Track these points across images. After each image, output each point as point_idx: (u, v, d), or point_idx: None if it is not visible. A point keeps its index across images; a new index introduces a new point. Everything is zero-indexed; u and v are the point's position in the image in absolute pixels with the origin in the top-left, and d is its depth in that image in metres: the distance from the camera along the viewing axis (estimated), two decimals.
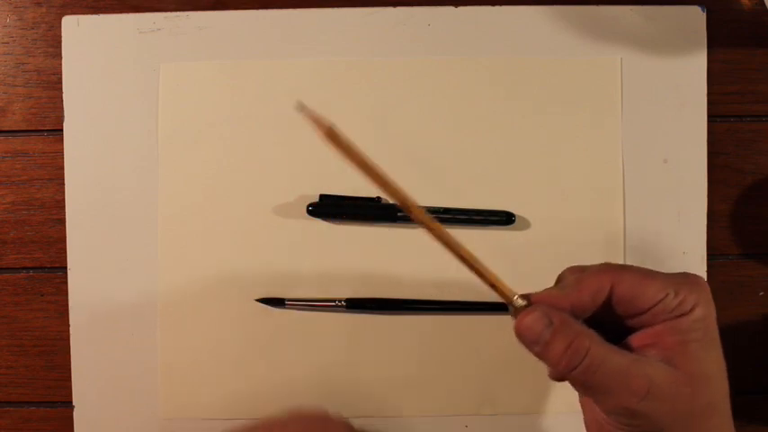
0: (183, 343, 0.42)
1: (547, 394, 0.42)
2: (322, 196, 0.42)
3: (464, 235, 0.42)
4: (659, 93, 0.42)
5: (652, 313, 0.28)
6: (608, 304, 0.29)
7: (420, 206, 0.30)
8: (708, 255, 0.42)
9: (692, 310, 0.28)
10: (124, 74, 0.42)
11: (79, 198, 0.42)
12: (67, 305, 0.42)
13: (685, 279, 0.29)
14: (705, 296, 0.28)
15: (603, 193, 0.42)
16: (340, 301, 0.41)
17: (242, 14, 0.42)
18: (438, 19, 0.42)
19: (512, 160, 0.42)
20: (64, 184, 0.42)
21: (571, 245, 0.42)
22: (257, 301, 0.42)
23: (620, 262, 0.41)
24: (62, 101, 0.42)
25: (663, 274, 0.29)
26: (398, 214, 0.41)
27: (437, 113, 0.42)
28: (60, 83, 0.42)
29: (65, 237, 0.42)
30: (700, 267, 0.42)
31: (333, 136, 0.30)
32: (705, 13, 0.42)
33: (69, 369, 0.42)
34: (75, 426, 0.42)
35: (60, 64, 0.42)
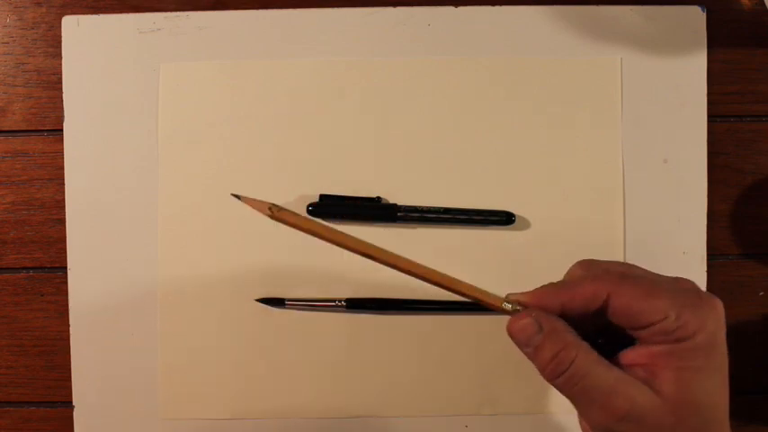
0: (183, 343, 0.42)
1: (547, 394, 0.42)
2: (322, 196, 0.42)
3: (464, 235, 0.42)
4: (659, 93, 0.42)
5: (650, 332, 0.27)
6: (605, 312, 0.28)
7: (382, 249, 0.31)
8: (708, 255, 0.42)
9: (693, 335, 0.26)
10: (124, 74, 0.42)
11: (79, 198, 0.42)
12: (67, 305, 0.42)
13: (693, 300, 0.27)
14: (713, 321, 0.27)
15: (603, 193, 0.42)
16: (340, 301, 0.41)
17: (242, 14, 0.42)
18: (438, 19, 0.42)
19: (512, 160, 0.42)
20: (64, 184, 0.42)
21: (571, 245, 0.42)
22: (257, 301, 0.42)
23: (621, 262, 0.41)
24: (62, 101, 0.42)
25: (671, 290, 0.27)
26: (398, 214, 0.41)
27: (437, 113, 0.42)
28: (60, 83, 0.42)
29: (65, 237, 0.42)
30: (700, 267, 0.42)
31: (276, 214, 0.30)
32: (705, 13, 0.42)
33: (69, 369, 0.42)
34: (75, 426, 0.42)
35: (60, 64, 0.42)
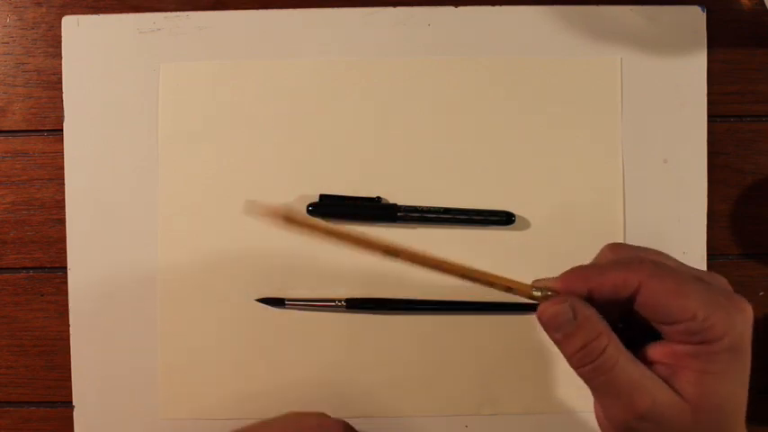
0: (183, 343, 0.42)
1: (547, 394, 0.42)
2: (322, 196, 0.42)
3: (464, 235, 0.42)
4: (659, 93, 0.42)
5: (675, 329, 0.26)
6: (632, 301, 0.27)
7: (407, 248, 0.30)
8: (708, 255, 0.42)
9: (719, 338, 0.26)
10: (124, 74, 0.42)
11: (79, 198, 0.42)
12: (67, 305, 0.42)
13: (724, 302, 0.26)
14: (741, 324, 0.26)
15: (603, 193, 0.42)
16: (340, 301, 0.41)
17: (242, 14, 0.42)
18: (438, 19, 0.42)
19: (512, 160, 0.42)
20: (64, 184, 0.42)
21: (571, 245, 0.42)
22: (257, 301, 0.42)
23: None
24: (62, 101, 0.42)
25: (702, 289, 0.26)
26: (398, 214, 0.41)
27: (437, 113, 0.42)
28: (60, 83, 0.42)
29: (65, 237, 0.42)
30: (700, 267, 0.42)
31: (291, 219, 0.30)
32: (705, 13, 0.42)
33: (69, 369, 0.42)
34: (75, 426, 0.42)
35: (60, 64, 0.42)
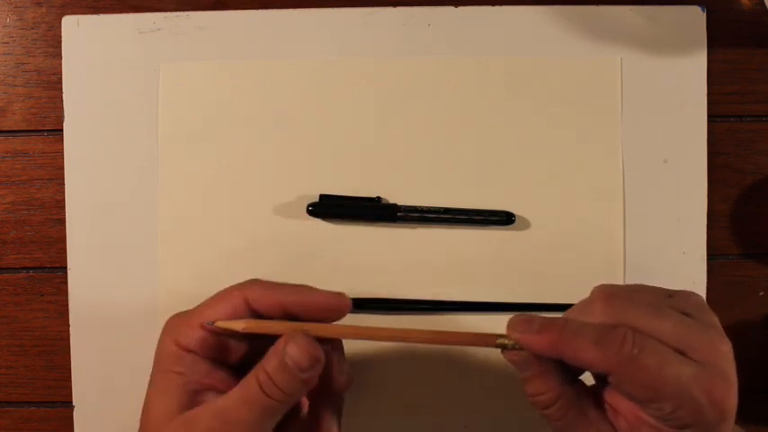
0: None
1: None
2: (322, 196, 0.42)
3: (464, 235, 0.42)
4: (659, 93, 0.42)
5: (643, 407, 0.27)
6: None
7: (380, 329, 0.32)
8: (708, 255, 0.42)
9: (685, 427, 0.27)
10: (124, 74, 0.42)
11: (79, 198, 0.42)
12: (67, 305, 0.42)
13: (701, 398, 0.26)
14: (713, 418, 0.26)
15: (603, 193, 0.42)
16: None
17: (242, 14, 0.42)
18: (438, 19, 0.42)
19: (512, 160, 0.42)
20: (64, 184, 0.42)
21: (571, 245, 0.42)
22: None
23: (621, 262, 0.41)
24: (62, 101, 0.42)
25: (682, 371, 0.26)
26: (398, 214, 0.41)
27: (437, 113, 0.42)
28: (60, 83, 0.42)
29: (65, 237, 0.42)
30: (700, 267, 0.42)
31: (251, 326, 0.31)
32: (705, 13, 0.42)
33: (69, 369, 0.42)
34: (75, 426, 0.42)
35: (60, 64, 0.42)
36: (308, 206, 0.41)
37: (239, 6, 0.42)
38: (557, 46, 0.42)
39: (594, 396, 0.30)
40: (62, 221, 0.42)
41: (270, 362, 0.29)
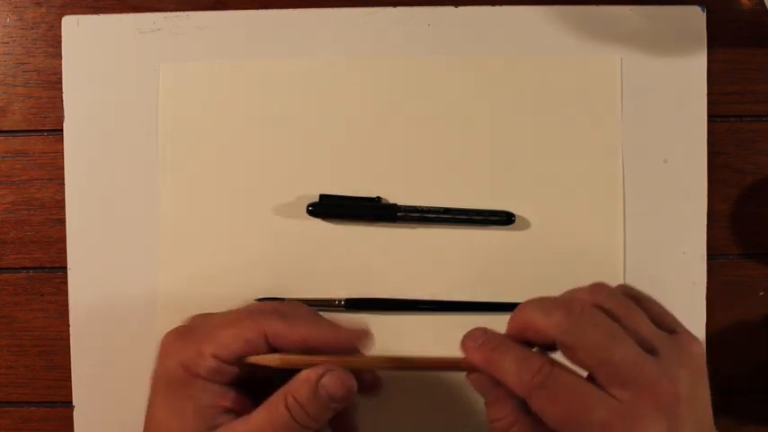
0: None
1: None
2: (322, 196, 0.42)
3: (464, 235, 0.42)
4: (659, 93, 0.42)
5: None
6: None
7: (372, 357, 0.33)
8: (708, 255, 0.42)
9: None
10: (124, 74, 0.42)
11: (79, 198, 0.42)
12: (67, 305, 0.42)
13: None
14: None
15: (603, 193, 0.42)
16: (339, 301, 0.41)
17: (242, 14, 0.42)
18: (438, 19, 0.42)
19: (512, 160, 0.42)
20: (64, 184, 0.42)
21: (571, 245, 0.42)
22: (257, 300, 0.42)
23: (621, 262, 0.41)
24: (62, 101, 0.42)
25: (592, 406, 0.27)
26: (398, 214, 0.41)
27: (437, 113, 0.42)
28: (60, 83, 0.42)
29: (65, 237, 0.42)
30: (700, 267, 0.42)
31: (287, 361, 0.31)
32: (705, 13, 0.42)
33: (69, 369, 0.42)
34: (75, 426, 0.42)
35: (60, 64, 0.42)
36: (308, 206, 0.41)
37: (239, 6, 0.42)
38: (557, 46, 0.42)
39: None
40: (62, 221, 0.42)
41: (301, 390, 0.29)
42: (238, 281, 0.42)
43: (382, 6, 0.42)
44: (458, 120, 0.42)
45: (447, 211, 0.41)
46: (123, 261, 0.42)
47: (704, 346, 0.29)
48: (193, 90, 0.42)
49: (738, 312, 0.43)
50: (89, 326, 0.42)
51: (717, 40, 0.42)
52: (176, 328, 0.32)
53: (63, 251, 0.42)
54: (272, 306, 0.32)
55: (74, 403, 0.42)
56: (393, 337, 0.42)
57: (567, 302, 0.28)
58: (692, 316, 0.42)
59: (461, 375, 0.42)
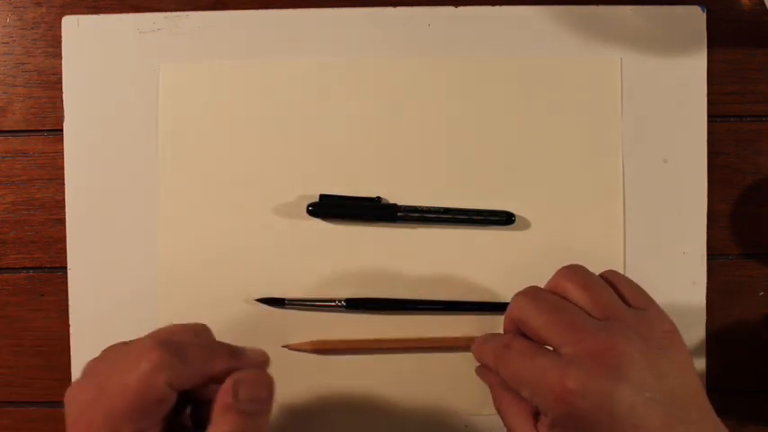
0: None
1: None
2: (322, 196, 0.42)
3: (464, 235, 0.42)
4: (659, 93, 0.42)
5: None
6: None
7: (398, 339, 0.39)
8: (708, 255, 0.42)
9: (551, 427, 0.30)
10: (124, 74, 0.42)
11: (79, 198, 0.42)
12: (67, 305, 0.42)
13: (548, 384, 0.29)
14: (554, 407, 0.29)
15: (603, 193, 0.42)
16: (340, 301, 0.41)
17: (242, 14, 0.42)
18: (438, 19, 0.42)
19: (512, 160, 0.42)
20: (64, 184, 0.42)
21: (571, 245, 0.42)
22: (257, 300, 0.42)
23: (620, 262, 0.41)
24: (62, 101, 0.42)
25: (538, 361, 0.30)
26: (398, 214, 0.41)
27: (437, 113, 0.42)
28: (60, 83, 0.42)
29: (65, 237, 0.42)
30: (700, 267, 0.42)
31: (321, 346, 0.36)
32: (705, 13, 0.42)
33: (69, 369, 0.42)
34: None
35: (60, 64, 0.42)
36: (308, 206, 0.41)
37: (239, 6, 0.42)
38: (557, 46, 0.42)
39: None
40: (62, 221, 0.42)
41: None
42: (238, 281, 0.42)
43: (382, 6, 0.42)
44: (457, 120, 0.42)
45: (447, 211, 0.41)
46: (123, 261, 0.42)
47: (676, 325, 0.31)
48: (193, 90, 0.42)
49: (738, 312, 0.43)
50: (89, 326, 0.42)
51: (717, 40, 0.42)
52: (159, 342, 0.31)
53: (63, 251, 0.42)
54: (174, 346, 0.30)
55: None
56: (393, 337, 0.42)
57: (528, 288, 0.33)
58: (692, 316, 0.42)
59: (462, 376, 0.42)
